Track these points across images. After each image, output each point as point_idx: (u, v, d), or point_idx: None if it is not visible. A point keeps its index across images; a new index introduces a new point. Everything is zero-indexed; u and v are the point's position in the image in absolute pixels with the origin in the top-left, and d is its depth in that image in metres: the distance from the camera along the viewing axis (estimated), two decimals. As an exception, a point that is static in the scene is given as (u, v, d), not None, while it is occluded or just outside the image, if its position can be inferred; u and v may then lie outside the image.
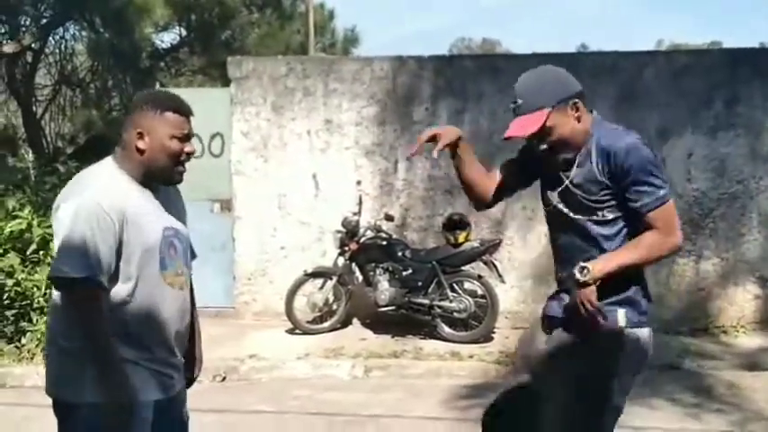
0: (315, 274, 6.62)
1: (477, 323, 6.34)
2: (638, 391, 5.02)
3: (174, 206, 2.44)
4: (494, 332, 6.43)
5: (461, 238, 6.34)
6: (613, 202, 2.36)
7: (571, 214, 2.42)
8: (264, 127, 6.99)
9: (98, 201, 2.18)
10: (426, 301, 6.40)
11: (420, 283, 6.43)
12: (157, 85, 8.02)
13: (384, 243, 6.58)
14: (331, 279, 6.64)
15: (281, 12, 12.70)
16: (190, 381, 2.56)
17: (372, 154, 6.95)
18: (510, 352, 5.80)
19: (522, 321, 6.51)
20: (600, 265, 2.32)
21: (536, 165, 2.52)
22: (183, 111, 2.32)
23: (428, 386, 5.29)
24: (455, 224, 6.39)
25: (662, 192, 2.33)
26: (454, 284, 6.40)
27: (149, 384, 2.27)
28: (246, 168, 7.02)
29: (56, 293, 2.27)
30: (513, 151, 2.67)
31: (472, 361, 5.86)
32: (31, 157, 8.81)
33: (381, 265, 6.52)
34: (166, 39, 12.89)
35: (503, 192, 2.66)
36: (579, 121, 2.38)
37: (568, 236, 2.46)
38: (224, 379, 5.53)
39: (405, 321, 6.56)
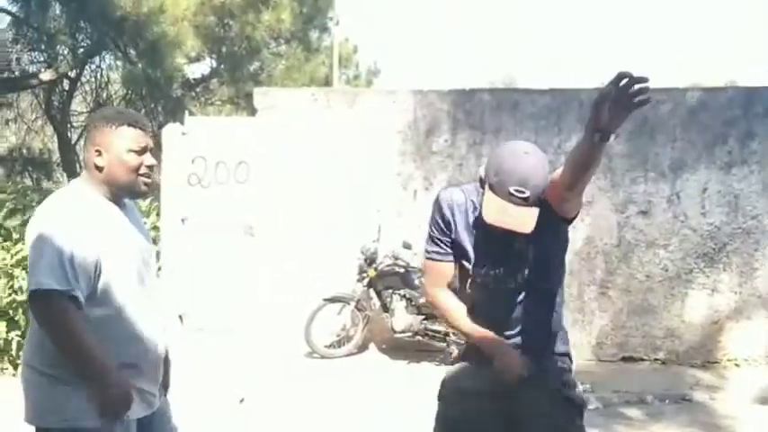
0: (333, 300, 6.78)
1: (491, 351, 6.43)
2: (648, 421, 5.15)
3: (138, 222, 2.46)
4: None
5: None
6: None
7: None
8: (288, 155, 7.19)
9: (76, 222, 2.20)
10: (442, 328, 6.52)
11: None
12: (187, 114, 8.28)
13: (402, 270, 6.73)
14: (349, 305, 6.80)
15: (306, 45, 13.04)
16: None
17: (392, 183, 7.14)
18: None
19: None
20: None
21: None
22: (139, 125, 2.33)
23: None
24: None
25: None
26: (469, 312, 6.51)
27: (135, 403, 2.28)
28: (270, 195, 7.21)
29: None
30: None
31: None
32: (65, 180, 9.10)
33: (398, 292, 6.68)
34: (197, 69, 13.32)
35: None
36: None
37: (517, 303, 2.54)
38: (242, 401, 5.66)
39: (420, 347, 6.69)
